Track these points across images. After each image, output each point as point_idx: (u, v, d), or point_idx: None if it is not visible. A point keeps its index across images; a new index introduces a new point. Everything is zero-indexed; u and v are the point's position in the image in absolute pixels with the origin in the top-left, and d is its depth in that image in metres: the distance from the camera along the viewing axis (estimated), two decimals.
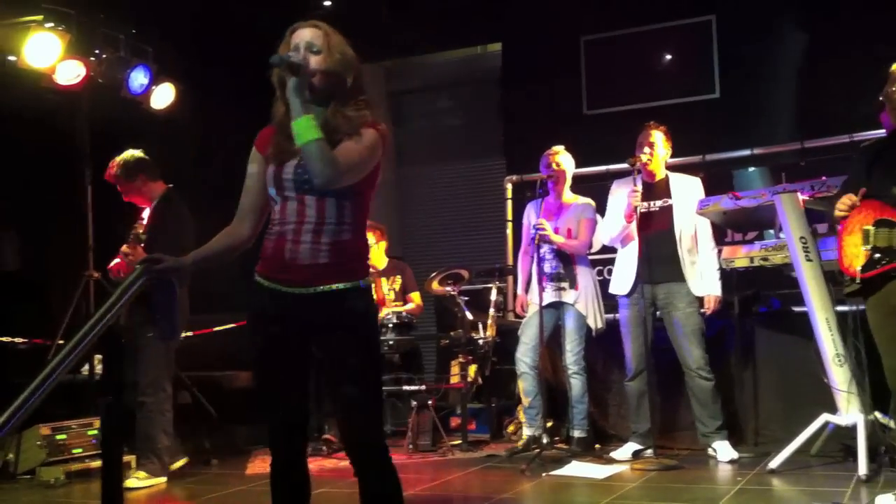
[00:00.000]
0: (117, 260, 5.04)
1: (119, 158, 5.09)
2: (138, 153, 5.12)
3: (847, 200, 3.65)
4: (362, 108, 2.53)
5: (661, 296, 5.15)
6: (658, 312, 5.21)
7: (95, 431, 5.26)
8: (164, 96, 6.31)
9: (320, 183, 2.40)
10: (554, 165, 5.45)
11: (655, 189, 5.23)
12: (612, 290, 5.31)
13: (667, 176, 5.28)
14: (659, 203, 5.20)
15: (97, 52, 5.86)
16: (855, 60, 5.99)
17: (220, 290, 6.13)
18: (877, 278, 3.61)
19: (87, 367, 5.47)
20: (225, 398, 5.90)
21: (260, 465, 5.38)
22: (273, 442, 2.60)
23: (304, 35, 2.52)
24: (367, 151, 2.47)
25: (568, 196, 5.54)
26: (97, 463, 5.07)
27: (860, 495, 3.97)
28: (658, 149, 5.21)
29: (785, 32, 6.62)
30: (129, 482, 4.70)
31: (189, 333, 5.28)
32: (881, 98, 3.74)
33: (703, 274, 5.12)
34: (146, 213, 5.11)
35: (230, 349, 6.07)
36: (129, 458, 4.90)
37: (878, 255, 3.59)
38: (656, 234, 5.13)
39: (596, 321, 5.41)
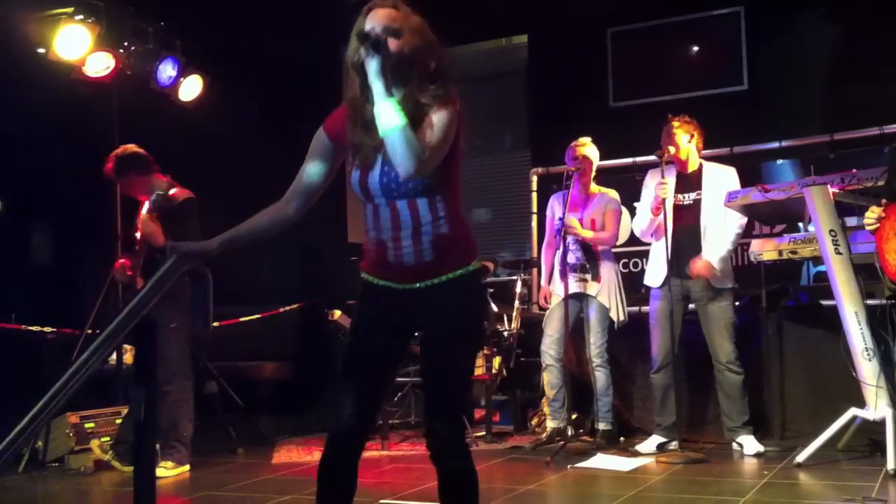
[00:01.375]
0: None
1: (113, 154, 5.10)
2: (131, 148, 5.07)
3: (872, 214, 3.62)
4: (440, 91, 2.38)
5: (694, 288, 5.12)
6: (692, 305, 5.19)
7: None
8: (191, 88, 6.35)
9: (406, 173, 2.27)
10: (580, 157, 5.43)
11: (689, 181, 5.19)
12: (647, 281, 5.28)
13: (701, 166, 5.23)
14: (692, 196, 5.17)
15: (126, 44, 5.92)
16: (885, 52, 5.91)
17: (247, 281, 6.20)
18: None
19: (114, 356, 5.53)
20: (251, 388, 5.95)
21: (285, 454, 5.42)
22: (335, 424, 2.47)
23: (381, 16, 2.36)
24: (444, 131, 2.33)
25: (593, 188, 5.52)
26: None
27: (888, 490, 3.94)
28: (681, 141, 5.16)
29: (814, 23, 6.55)
30: (157, 472, 4.71)
31: (216, 324, 5.32)
32: None
33: (711, 246, 5.06)
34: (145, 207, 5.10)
35: (257, 340, 6.12)
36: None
37: None
38: (685, 228, 5.11)
39: (619, 314, 5.40)
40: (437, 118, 2.33)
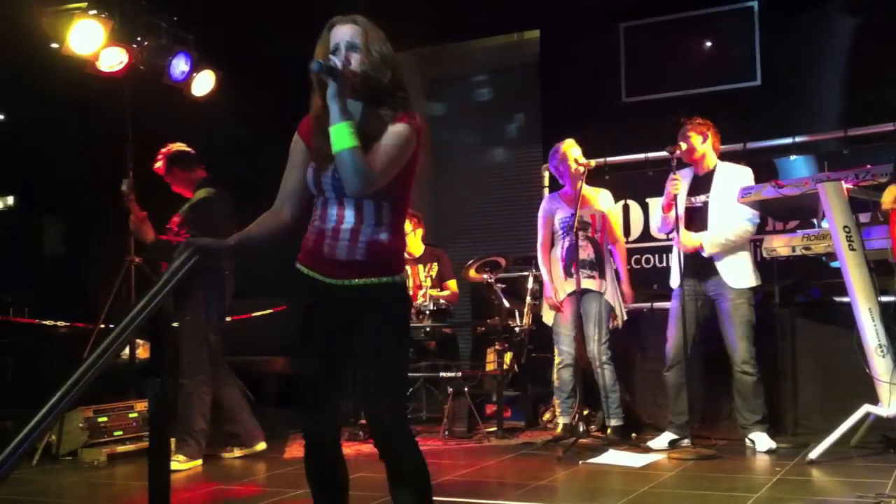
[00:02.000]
0: None
1: (161, 151, 5.18)
2: (176, 146, 5.19)
3: (891, 192, 3.58)
4: (398, 104, 2.53)
5: (711, 288, 5.11)
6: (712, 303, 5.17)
7: (136, 414, 5.35)
8: (204, 83, 6.36)
9: (352, 192, 2.45)
10: (562, 157, 5.46)
11: (702, 183, 5.19)
12: (670, 282, 5.27)
13: (715, 167, 5.21)
14: (702, 198, 5.16)
15: (139, 39, 5.92)
16: None
17: (259, 276, 6.20)
18: None
19: (127, 350, 5.55)
20: (263, 383, 5.96)
21: (297, 449, 5.42)
22: (305, 426, 2.64)
23: (344, 33, 2.53)
24: (398, 150, 2.48)
25: (587, 188, 5.47)
26: (138, 445, 5.16)
27: None
28: (696, 142, 5.15)
29: (827, 18, 6.51)
30: (172, 465, 4.78)
31: (228, 319, 5.33)
32: None
33: (737, 267, 5.05)
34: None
35: (268, 334, 6.13)
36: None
37: None
38: (696, 231, 5.10)
39: (621, 313, 5.42)
40: (393, 135, 2.48)
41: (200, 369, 4.98)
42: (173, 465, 4.77)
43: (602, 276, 5.41)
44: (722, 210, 5.07)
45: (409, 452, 2.56)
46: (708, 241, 5.03)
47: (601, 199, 5.54)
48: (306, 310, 2.58)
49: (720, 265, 5.05)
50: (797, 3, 6.57)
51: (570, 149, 5.47)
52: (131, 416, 5.30)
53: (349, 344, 2.56)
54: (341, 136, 2.39)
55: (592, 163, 5.41)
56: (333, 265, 2.53)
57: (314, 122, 2.58)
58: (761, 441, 4.93)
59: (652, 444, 5.12)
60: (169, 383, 4.61)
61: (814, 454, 4.49)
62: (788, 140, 5.92)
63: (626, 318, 5.49)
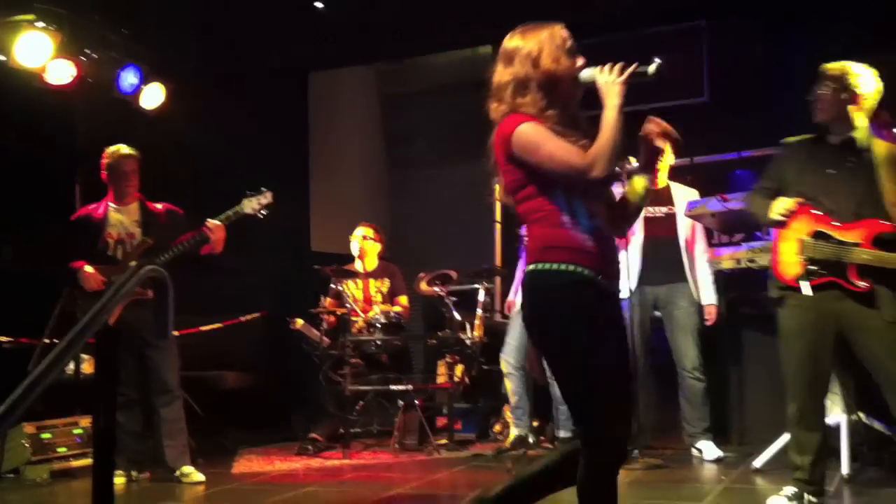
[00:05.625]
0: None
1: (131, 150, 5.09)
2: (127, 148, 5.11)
3: (786, 207, 3.63)
4: None
5: (663, 295, 5.18)
6: (658, 312, 5.24)
7: (81, 430, 5.26)
8: (154, 96, 6.32)
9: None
10: None
11: (659, 196, 5.27)
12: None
13: (668, 185, 5.31)
14: (663, 210, 5.25)
15: (88, 51, 5.87)
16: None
17: (207, 290, 6.16)
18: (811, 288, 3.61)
19: (72, 365, 5.46)
20: (211, 398, 5.90)
21: (245, 464, 5.39)
22: (619, 435, 2.50)
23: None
24: None
25: None
26: (81, 462, 5.08)
27: (843, 494, 4.00)
28: (668, 156, 5.23)
29: (772, 37, 6.64)
30: (194, 476, 4.79)
31: (175, 333, 5.28)
32: (809, 97, 3.76)
33: (700, 282, 5.16)
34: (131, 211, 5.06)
35: (218, 349, 6.07)
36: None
37: (813, 267, 3.60)
38: (661, 238, 5.20)
39: None
40: None
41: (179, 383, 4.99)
42: (195, 476, 4.78)
43: None
44: (687, 221, 5.17)
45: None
46: (713, 297, 5.19)
47: None
48: (607, 323, 2.49)
49: (676, 274, 5.13)
50: (744, 22, 6.70)
51: None
52: (76, 432, 5.21)
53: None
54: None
55: None
56: (617, 268, 2.57)
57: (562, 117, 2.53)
58: (708, 450, 4.99)
59: None
60: (115, 398, 4.58)
61: (758, 462, 4.56)
62: (734, 155, 6.03)
63: None
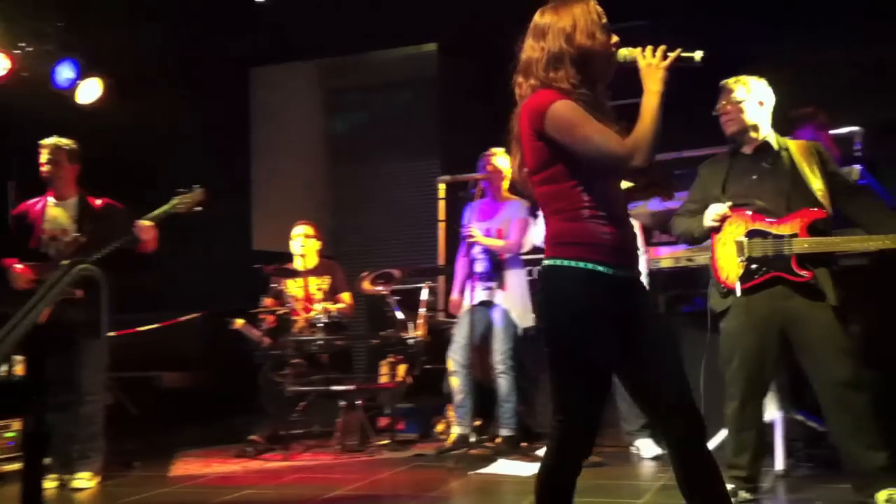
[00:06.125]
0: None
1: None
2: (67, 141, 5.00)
3: (718, 213, 3.71)
4: None
5: None
6: None
7: (13, 434, 5.12)
8: (91, 91, 6.21)
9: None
10: (489, 167, 5.50)
11: None
12: None
13: None
14: None
15: (23, 45, 5.73)
16: (785, 70, 6.08)
17: (146, 289, 6.05)
18: (752, 289, 3.67)
19: (5, 367, 5.32)
20: (149, 399, 5.81)
21: (182, 466, 5.30)
22: (581, 442, 2.54)
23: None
24: None
25: (503, 197, 5.57)
26: (14, 466, 4.95)
27: (777, 490, 4.06)
28: None
29: (713, 38, 6.70)
30: (77, 483, 4.66)
31: (112, 333, 5.17)
32: (714, 112, 3.86)
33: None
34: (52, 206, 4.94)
35: (155, 349, 5.97)
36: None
37: (754, 266, 3.66)
38: None
39: (524, 320, 5.45)
40: None
41: (104, 387, 4.90)
42: (79, 483, 4.65)
43: (501, 286, 5.45)
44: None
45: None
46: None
47: (511, 209, 5.56)
48: (614, 315, 2.41)
49: None
50: (683, 23, 6.76)
51: (489, 157, 5.52)
52: (7, 435, 5.07)
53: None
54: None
55: (481, 177, 5.47)
56: (632, 256, 2.50)
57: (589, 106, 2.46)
58: (646, 447, 5.04)
59: (541, 452, 5.14)
60: (45, 400, 4.48)
61: None
62: (674, 154, 6.08)
63: (530, 325, 5.50)
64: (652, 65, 2.43)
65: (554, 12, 2.49)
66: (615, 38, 2.48)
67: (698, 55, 2.42)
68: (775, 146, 3.79)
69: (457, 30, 7.42)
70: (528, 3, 6.91)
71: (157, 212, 4.74)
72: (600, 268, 2.38)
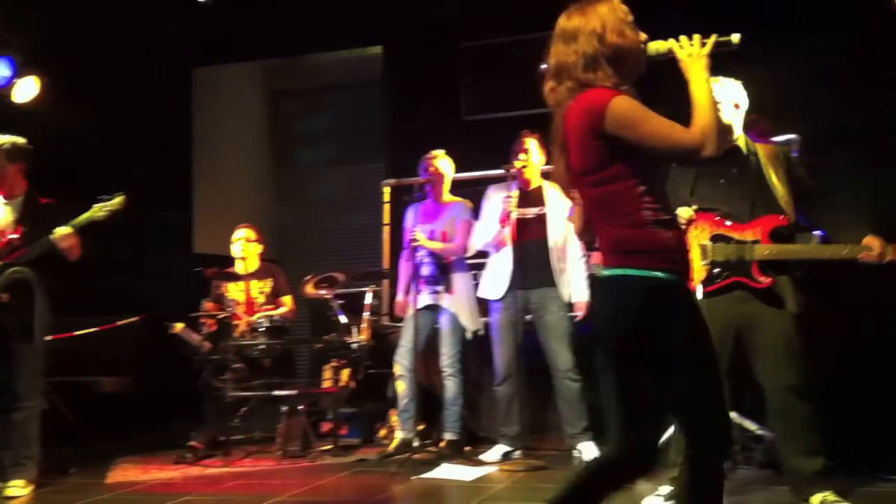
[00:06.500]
0: None
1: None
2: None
3: (683, 215, 3.76)
4: None
5: (534, 300, 5.23)
6: (529, 317, 5.29)
7: None
8: (28, 89, 6.08)
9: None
10: (432, 169, 5.50)
11: (531, 197, 5.32)
12: (483, 294, 5.37)
13: (541, 185, 5.37)
14: (534, 211, 5.29)
15: None
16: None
17: (84, 293, 5.92)
18: (713, 293, 3.72)
19: None
20: (86, 404, 5.68)
21: (120, 473, 5.20)
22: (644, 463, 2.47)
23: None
24: None
25: (447, 199, 5.59)
26: None
27: None
28: (532, 156, 5.29)
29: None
30: (10, 491, 4.53)
31: (49, 337, 5.05)
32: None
33: (572, 281, 5.23)
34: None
35: (93, 353, 5.85)
36: None
37: (717, 270, 3.72)
38: (531, 241, 5.22)
39: (471, 324, 5.46)
40: None
41: (39, 392, 4.78)
42: (13, 491, 4.53)
43: (448, 289, 5.45)
44: (560, 222, 5.21)
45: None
46: (585, 294, 5.18)
47: (455, 211, 5.57)
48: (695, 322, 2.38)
49: (546, 279, 5.19)
50: None
51: (431, 160, 5.52)
52: None
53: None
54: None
55: (424, 181, 5.51)
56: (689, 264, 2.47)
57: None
58: (588, 450, 5.07)
59: (484, 456, 5.18)
60: None
61: None
62: None
63: (477, 328, 5.51)
64: (693, 54, 2.40)
65: (581, 15, 2.45)
66: (643, 35, 2.45)
67: (736, 38, 2.40)
68: (744, 150, 3.83)
69: (403, 33, 7.41)
70: (472, 7, 6.97)
71: (77, 219, 4.67)
72: (668, 276, 2.31)
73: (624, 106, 2.32)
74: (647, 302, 2.30)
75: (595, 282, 2.46)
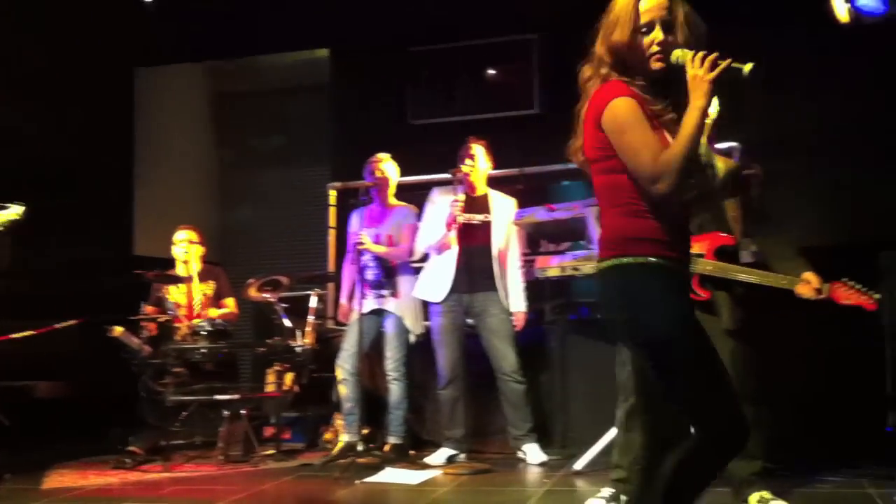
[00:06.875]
0: None
1: None
2: None
3: None
4: None
5: (477, 304, 5.26)
6: (471, 320, 5.31)
7: None
8: None
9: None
10: (377, 173, 5.50)
11: (476, 203, 5.35)
12: (422, 295, 5.38)
13: (487, 193, 5.41)
14: (480, 217, 5.33)
15: None
16: None
17: (20, 296, 5.79)
18: None
19: None
20: (22, 409, 5.54)
21: (57, 479, 5.08)
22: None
23: (660, 5, 2.36)
24: None
25: (392, 203, 5.58)
26: None
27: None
28: (479, 162, 5.32)
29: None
30: None
31: None
32: None
33: (510, 290, 5.28)
34: None
35: (29, 357, 5.70)
36: None
37: None
38: (476, 247, 5.27)
39: (415, 328, 5.46)
40: None
41: None
42: None
43: (393, 293, 5.44)
44: (502, 230, 5.26)
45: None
46: (522, 305, 5.30)
47: (400, 215, 5.57)
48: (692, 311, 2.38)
49: (489, 283, 5.23)
50: (573, 39, 6.90)
51: (376, 163, 5.51)
52: None
53: None
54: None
55: (370, 184, 5.52)
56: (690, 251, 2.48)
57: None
58: (533, 453, 5.11)
59: (429, 460, 5.18)
60: None
61: (579, 465, 4.71)
62: (560, 166, 6.21)
63: (421, 332, 5.50)
64: (698, 76, 2.25)
65: (611, 6, 2.46)
66: (660, 36, 2.34)
67: (748, 67, 2.21)
68: (703, 161, 3.85)
69: (350, 36, 7.39)
70: (419, 11, 6.96)
71: None
72: (664, 262, 2.31)
73: (617, 110, 2.31)
74: (657, 284, 2.30)
75: (597, 273, 2.43)
